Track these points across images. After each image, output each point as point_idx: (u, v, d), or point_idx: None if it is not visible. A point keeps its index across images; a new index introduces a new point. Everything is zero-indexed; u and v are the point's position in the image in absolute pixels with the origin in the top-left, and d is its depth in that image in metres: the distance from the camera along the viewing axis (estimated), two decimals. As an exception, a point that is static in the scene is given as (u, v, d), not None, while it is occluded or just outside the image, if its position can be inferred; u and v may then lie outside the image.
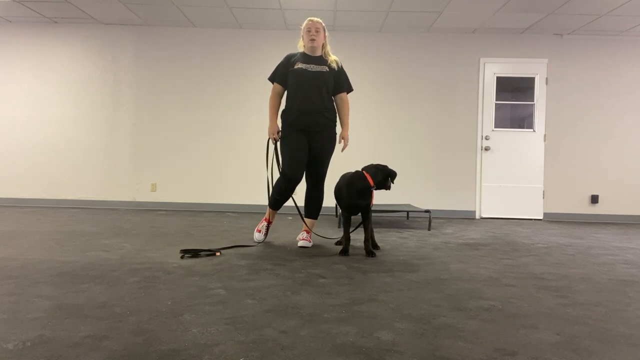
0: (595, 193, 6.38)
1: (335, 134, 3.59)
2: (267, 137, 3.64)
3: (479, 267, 2.88)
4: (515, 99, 6.60)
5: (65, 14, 6.08)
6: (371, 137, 6.45)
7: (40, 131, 6.50)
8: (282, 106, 3.57)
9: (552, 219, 6.37)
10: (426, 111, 6.45)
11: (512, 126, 6.51)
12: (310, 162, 3.50)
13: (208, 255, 3.04)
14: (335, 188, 3.41)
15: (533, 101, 6.43)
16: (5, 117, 6.51)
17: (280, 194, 3.51)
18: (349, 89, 3.60)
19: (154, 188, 6.50)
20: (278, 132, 3.49)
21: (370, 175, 3.17)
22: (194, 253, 3.02)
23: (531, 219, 6.32)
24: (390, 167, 3.27)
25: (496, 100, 6.44)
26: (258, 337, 1.57)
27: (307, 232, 3.57)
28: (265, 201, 3.62)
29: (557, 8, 5.42)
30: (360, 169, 3.27)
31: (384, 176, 3.19)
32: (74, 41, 6.50)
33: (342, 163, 6.32)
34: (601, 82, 6.38)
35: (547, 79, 6.40)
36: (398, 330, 1.68)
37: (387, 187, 3.21)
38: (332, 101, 3.52)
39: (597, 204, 6.38)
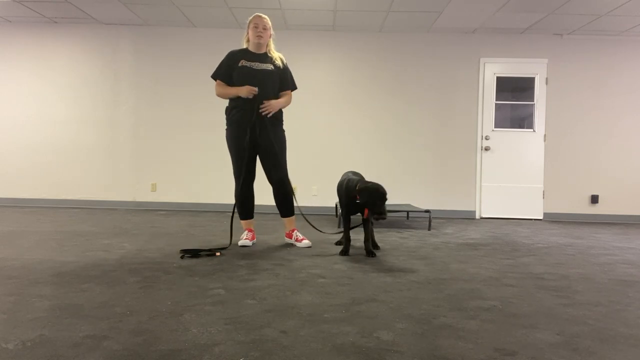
0: (595, 193, 6.38)
1: (283, 131, 3.54)
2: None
3: (479, 267, 2.88)
4: (515, 99, 6.60)
5: (65, 14, 6.08)
6: (371, 136, 6.45)
7: (41, 131, 6.50)
8: (226, 103, 3.51)
9: (552, 219, 6.37)
10: (426, 111, 6.45)
11: (512, 126, 6.51)
12: (265, 163, 3.46)
13: (208, 255, 3.03)
14: (338, 185, 3.39)
15: (533, 101, 6.43)
16: (6, 117, 6.51)
17: (240, 198, 3.47)
18: (293, 87, 3.56)
19: (154, 188, 6.50)
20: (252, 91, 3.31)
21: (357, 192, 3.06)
22: (194, 253, 3.02)
23: (531, 219, 6.32)
24: (383, 186, 3.07)
25: (496, 100, 6.44)
26: (258, 337, 1.57)
27: (296, 230, 3.62)
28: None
29: (557, 8, 5.42)
30: (360, 179, 3.24)
31: (368, 198, 2.97)
32: (74, 41, 6.50)
33: (342, 163, 6.33)
34: (601, 82, 6.38)
35: (547, 79, 6.40)
36: (398, 330, 1.67)
37: (376, 212, 2.94)
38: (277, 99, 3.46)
39: (597, 204, 6.38)
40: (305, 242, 3.50)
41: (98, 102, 6.51)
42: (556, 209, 6.39)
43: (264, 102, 3.34)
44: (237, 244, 3.48)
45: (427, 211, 4.94)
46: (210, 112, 6.49)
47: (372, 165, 6.43)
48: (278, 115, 3.50)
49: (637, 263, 3.18)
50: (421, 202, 6.40)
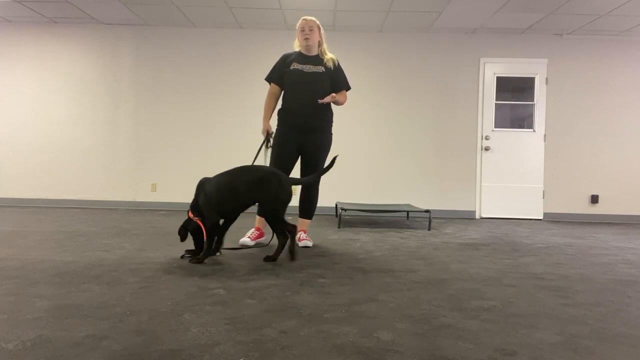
0: (595, 193, 6.38)
1: (331, 134, 3.60)
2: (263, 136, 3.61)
3: (479, 267, 2.88)
4: (515, 99, 6.60)
5: (65, 14, 6.08)
6: (370, 137, 6.44)
7: (40, 131, 6.50)
8: (279, 105, 3.58)
9: (552, 219, 6.37)
10: (426, 111, 6.45)
11: (512, 126, 6.51)
12: (305, 162, 3.51)
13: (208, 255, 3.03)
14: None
15: (533, 101, 6.43)
16: (6, 117, 6.50)
17: None
18: (347, 87, 3.59)
19: (154, 188, 6.50)
20: (269, 133, 3.51)
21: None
22: (194, 253, 3.01)
23: (531, 219, 6.32)
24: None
25: (496, 100, 6.44)
26: (258, 337, 1.57)
27: (305, 232, 3.57)
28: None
29: (557, 8, 5.42)
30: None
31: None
32: (74, 41, 6.50)
33: (340, 163, 6.31)
34: (601, 82, 6.38)
35: (547, 79, 6.39)
36: (398, 330, 1.67)
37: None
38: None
39: (597, 204, 6.38)
40: (304, 242, 3.48)
41: (98, 102, 6.50)
42: (556, 209, 6.39)
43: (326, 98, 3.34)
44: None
45: (427, 211, 4.94)
46: (210, 112, 6.49)
47: (371, 165, 6.43)
48: (328, 118, 3.53)
49: (637, 263, 3.18)
50: (421, 202, 6.40)
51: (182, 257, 2.96)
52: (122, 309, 1.85)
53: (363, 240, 3.94)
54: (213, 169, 6.38)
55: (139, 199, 6.49)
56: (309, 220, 3.63)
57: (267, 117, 3.52)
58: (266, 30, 6.45)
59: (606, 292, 2.33)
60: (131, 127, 6.50)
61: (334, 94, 3.37)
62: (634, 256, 3.47)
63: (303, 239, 3.52)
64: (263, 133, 3.53)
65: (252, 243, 3.48)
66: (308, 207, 3.58)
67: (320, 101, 3.34)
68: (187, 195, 6.47)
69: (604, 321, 1.85)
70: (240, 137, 6.44)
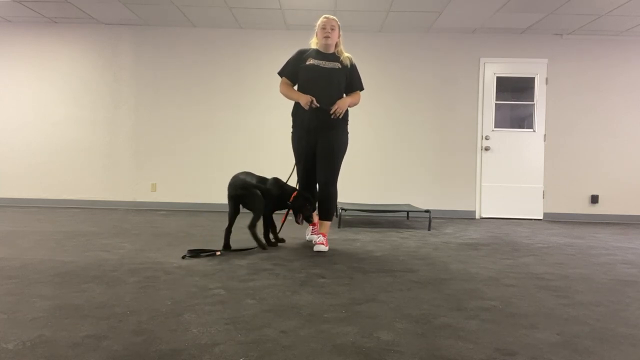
0: (595, 193, 6.38)
1: (347, 133, 3.51)
2: (291, 132, 3.55)
3: (479, 267, 2.88)
4: (515, 99, 6.60)
5: (65, 14, 6.08)
6: (371, 137, 6.44)
7: (40, 131, 6.50)
8: (292, 103, 3.54)
9: (552, 219, 6.37)
10: (426, 111, 6.45)
11: (512, 126, 6.51)
12: (318, 163, 3.41)
13: (208, 255, 3.03)
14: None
15: (533, 101, 6.43)
16: (5, 117, 6.51)
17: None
18: (361, 88, 3.57)
19: (154, 188, 6.50)
20: (312, 100, 3.30)
21: None
22: (195, 253, 3.02)
23: (531, 219, 6.32)
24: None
25: (496, 100, 6.44)
26: (258, 337, 1.57)
27: (324, 235, 3.40)
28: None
29: (557, 8, 5.42)
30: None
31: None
32: (74, 41, 6.50)
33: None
34: (601, 82, 6.38)
35: (547, 79, 6.39)
36: (398, 330, 1.68)
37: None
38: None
39: (597, 204, 6.38)
40: (320, 247, 3.30)
41: (98, 102, 6.50)
42: (556, 209, 6.39)
43: (332, 107, 3.28)
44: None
45: (427, 211, 4.94)
46: (210, 112, 6.49)
47: (371, 166, 6.43)
48: (344, 116, 3.43)
49: (637, 263, 3.18)
50: (421, 202, 6.40)
51: (183, 257, 2.96)
52: (122, 309, 1.85)
53: (363, 240, 3.94)
54: (213, 169, 6.44)
55: (139, 199, 6.49)
56: (327, 222, 3.47)
57: (296, 92, 3.39)
58: (266, 30, 6.45)
59: (606, 292, 2.33)
60: (131, 127, 6.50)
61: (339, 104, 3.31)
62: (634, 256, 3.47)
63: (318, 242, 3.33)
64: (308, 101, 3.26)
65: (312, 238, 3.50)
66: (323, 205, 3.44)
67: (332, 115, 3.30)
68: (187, 195, 6.54)
69: (604, 321, 1.85)
70: (240, 137, 6.44)
